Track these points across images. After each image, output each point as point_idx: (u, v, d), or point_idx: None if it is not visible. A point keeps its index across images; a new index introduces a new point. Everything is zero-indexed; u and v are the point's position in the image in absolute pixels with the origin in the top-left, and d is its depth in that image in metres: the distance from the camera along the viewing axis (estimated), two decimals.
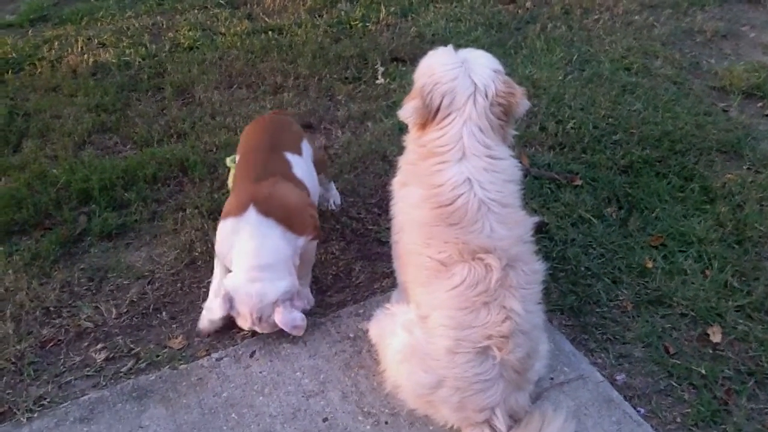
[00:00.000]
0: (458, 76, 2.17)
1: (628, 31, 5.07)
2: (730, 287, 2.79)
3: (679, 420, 2.30)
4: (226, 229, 2.50)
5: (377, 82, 4.40)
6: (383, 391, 2.32)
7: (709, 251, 2.96)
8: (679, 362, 2.49)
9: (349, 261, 2.98)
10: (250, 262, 2.42)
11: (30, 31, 5.37)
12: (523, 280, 2.12)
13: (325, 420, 2.27)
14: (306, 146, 2.87)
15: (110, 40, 5.09)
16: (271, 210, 2.46)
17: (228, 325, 2.57)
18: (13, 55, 4.86)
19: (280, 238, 2.45)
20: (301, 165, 2.74)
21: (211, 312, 2.50)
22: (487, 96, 2.16)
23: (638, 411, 2.31)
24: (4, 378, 2.49)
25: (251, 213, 2.44)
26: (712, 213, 3.19)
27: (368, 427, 2.24)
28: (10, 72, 4.62)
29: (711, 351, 2.55)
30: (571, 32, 5.05)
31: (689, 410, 2.33)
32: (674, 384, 2.43)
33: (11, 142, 3.82)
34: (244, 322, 2.49)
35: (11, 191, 3.35)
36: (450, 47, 2.28)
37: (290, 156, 2.72)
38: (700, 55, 4.75)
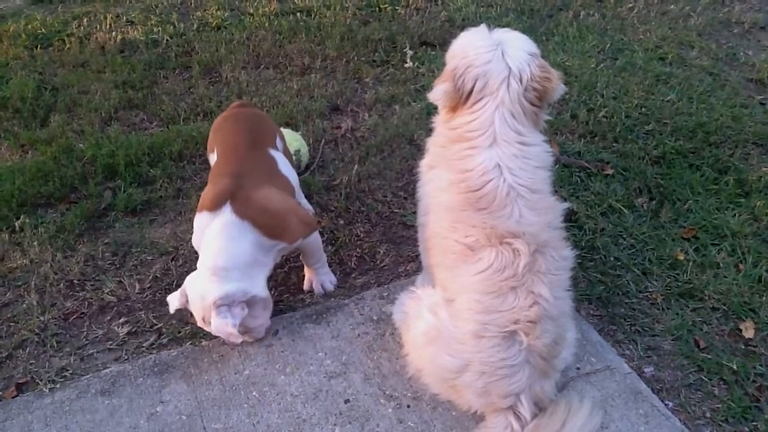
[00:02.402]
0: (492, 59, 2.10)
1: (663, 20, 4.97)
2: (765, 282, 2.72)
3: (708, 415, 2.25)
4: (200, 223, 2.37)
5: (405, 65, 4.35)
6: (406, 374, 2.29)
7: (743, 245, 2.88)
8: (709, 357, 2.43)
9: (374, 244, 2.95)
10: (207, 262, 2.28)
11: (59, 7, 5.40)
12: (551, 265, 2.07)
13: (346, 401, 2.25)
14: (279, 141, 2.78)
15: (138, 17, 5.10)
16: (249, 212, 2.30)
17: None
18: (43, 30, 4.88)
19: (250, 244, 2.30)
20: (283, 160, 2.65)
21: (170, 303, 2.38)
22: (521, 80, 2.10)
23: (666, 404, 2.26)
24: (28, 349, 2.50)
25: (226, 211, 2.30)
26: (747, 207, 3.11)
27: (390, 410, 2.22)
28: (39, 47, 4.65)
29: (743, 346, 2.48)
30: (604, 20, 4.95)
31: (719, 406, 2.27)
32: (704, 378, 2.37)
33: (39, 116, 3.83)
34: (197, 322, 2.37)
35: (38, 164, 3.36)
36: (484, 27, 2.21)
37: (273, 152, 2.62)
38: (737, 47, 4.63)
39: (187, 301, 2.34)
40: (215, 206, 2.32)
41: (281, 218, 2.40)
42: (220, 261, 2.27)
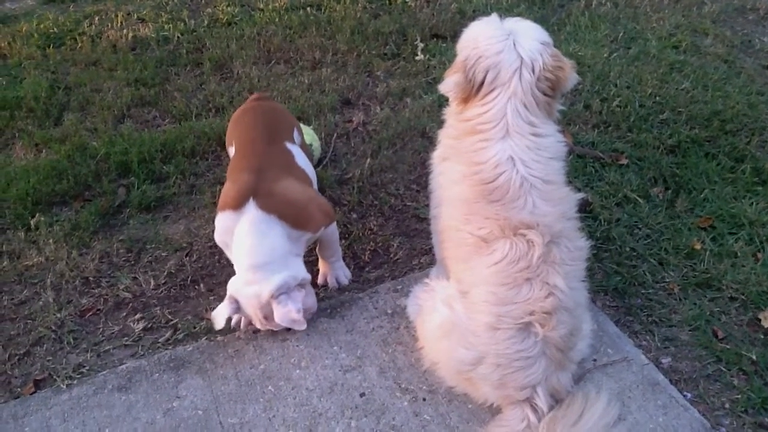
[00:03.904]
0: (503, 49, 2.07)
1: (677, 8, 4.91)
2: None
3: (727, 406, 2.22)
4: (224, 223, 2.36)
5: (416, 58, 4.32)
6: (421, 367, 2.29)
7: (761, 234, 2.85)
8: (728, 347, 2.40)
9: (387, 237, 2.94)
10: (246, 262, 2.30)
11: (71, 6, 5.41)
12: (566, 256, 2.06)
13: (362, 395, 2.25)
14: (297, 134, 2.79)
15: (149, 15, 5.11)
16: (274, 206, 2.31)
17: None
18: (55, 30, 4.90)
19: (281, 236, 2.31)
20: (300, 154, 2.66)
21: (217, 318, 2.36)
22: (533, 71, 2.07)
23: (685, 395, 2.24)
24: (45, 345, 2.51)
25: (251, 208, 2.29)
26: (764, 195, 3.07)
27: (406, 403, 2.21)
28: (51, 46, 4.66)
29: (762, 336, 2.45)
30: (616, 9, 4.90)
31: (739, 396, 2.24)
32: (723, 369, 2.34)
33: (52, 115, 3.85)
34: (256, 324, 2.41)
35: (52, 163, 3.38)
36: (495, 17, 2.18)
37: (290, 146, 2.63)
38: (752, 33, 4.57)
39: (238, 308, 2.34)
40: (239, 204, 2.31)
41: (304, 208, 2.41)
42: (259, 258, 2.28)
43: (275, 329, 2.43)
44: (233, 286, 2.34)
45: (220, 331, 2.50)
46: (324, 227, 2.48)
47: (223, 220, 2.37)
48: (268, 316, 2.34)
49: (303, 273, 2.38)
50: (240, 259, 2.32)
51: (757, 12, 4.85)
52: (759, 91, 3.86)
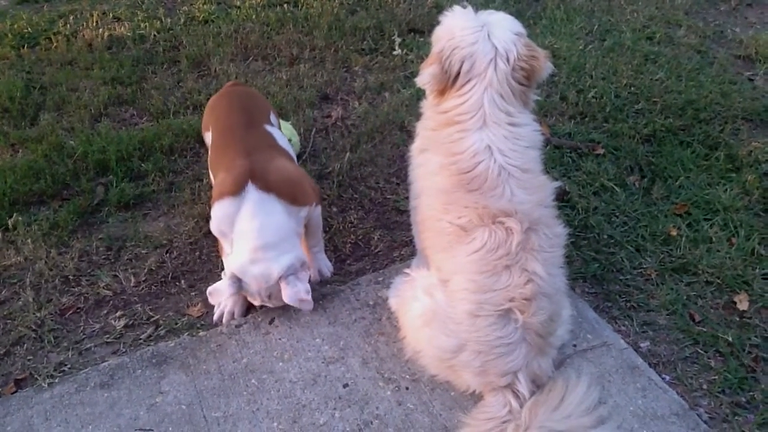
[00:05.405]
0: (478, 40, 2.10)
1: (650, 0, 4.96)
2: (757, 255, 2.74)
3: (705, 387, 2.26)
4: (223, 210, 2.36)
5: (394, 53, 4.34)
6: (403, 357, 2.30)
7: (735, 219, 2.90)
8: (705, 330, 2.45)
9: (368, 230, 2.95)
10: (253, 243, 2.31)
11: (45, 6, 5.35)
12: (545, 243, 2.08)
13: (345, 386, 2.26)
14: (273, 118, 2.82)
15: (125, 14, 5.07)
16: (272, 185, 2.34)
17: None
18: (29, 29, 4.84)
19: (283, 214, 2.36)
20: (280, 135, 2.69)
21: (219, 293, 2.37)
22: (508, 61, 2.10)
23: (663, 378, 2.27)
24: (25, 345, 2.49)
25: (251, 190, 2.32)
26: (738, 181, 3.12)
27: (389, 392, 2.23)
28: (26, 46, 4.60)
29: (738, 319, 2.50)
30: (591, 2, 4.96)
31: (716, 377, 2.29)
32: (700, 351, 2.38)
33: (28, 115, 3.80)
34: (255, 301, 2.45)
35: (29, 163, 3.34)
36: (469, 8, 2.21)
37: (270, 128, 2.66)
38: (724, 24, 4.65)
39: (240, 287, 2.37)
40: (238, 189, 2.33)
41: (299, 183, 2.45)
42: (267, 238, 2.32)
43: (273, 306, 2.47)
44: (236, 265, 2.34)
45: (202, 326, 2.50)
46: (315, 204, 2.52)
47: (222, 207, 2.37)
48: (272, 295, 2.37)
49: (304, 255, 2.44)
50: (245, 241, 2.33)
51: (729, 3, 4.93)
52: (731, 80, 3.93)
